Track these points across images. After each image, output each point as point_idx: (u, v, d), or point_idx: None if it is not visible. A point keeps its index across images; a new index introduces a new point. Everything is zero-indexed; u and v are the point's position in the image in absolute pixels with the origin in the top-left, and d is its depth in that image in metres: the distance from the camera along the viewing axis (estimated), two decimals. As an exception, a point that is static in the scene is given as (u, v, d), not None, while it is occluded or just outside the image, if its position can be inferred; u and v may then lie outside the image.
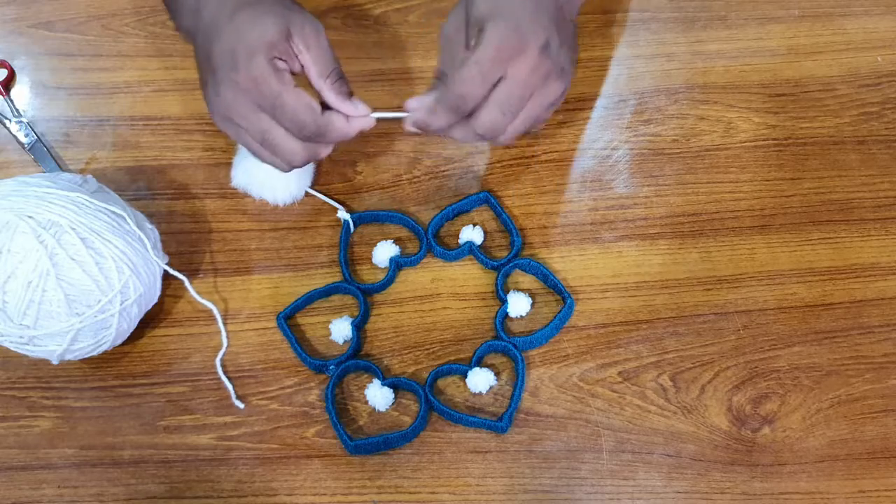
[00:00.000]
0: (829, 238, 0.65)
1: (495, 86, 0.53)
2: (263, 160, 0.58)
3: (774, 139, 0.69)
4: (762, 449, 0.58)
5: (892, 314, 0.62)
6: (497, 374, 0.60)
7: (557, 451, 0.57)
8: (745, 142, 0.69)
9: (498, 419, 0.58)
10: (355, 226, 0.65)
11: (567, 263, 0.64)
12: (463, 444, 0.58)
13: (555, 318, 0.61)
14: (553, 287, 0.63)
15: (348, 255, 0.64)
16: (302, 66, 0.55)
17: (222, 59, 0.54)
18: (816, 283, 0.63)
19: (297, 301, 0.62)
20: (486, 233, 0.65)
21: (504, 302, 0.61)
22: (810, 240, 0.65)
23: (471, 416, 0.58)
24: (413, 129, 0.56)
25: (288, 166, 0.57)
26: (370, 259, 0.64)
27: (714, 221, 0.65)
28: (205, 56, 0.56)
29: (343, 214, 0.64)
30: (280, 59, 0.54)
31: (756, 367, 0.60)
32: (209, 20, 0.55)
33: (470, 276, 0.64)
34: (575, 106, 0.69)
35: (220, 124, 0.57)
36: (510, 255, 0.63)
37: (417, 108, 0.55)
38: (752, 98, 0.70)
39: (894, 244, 0.65)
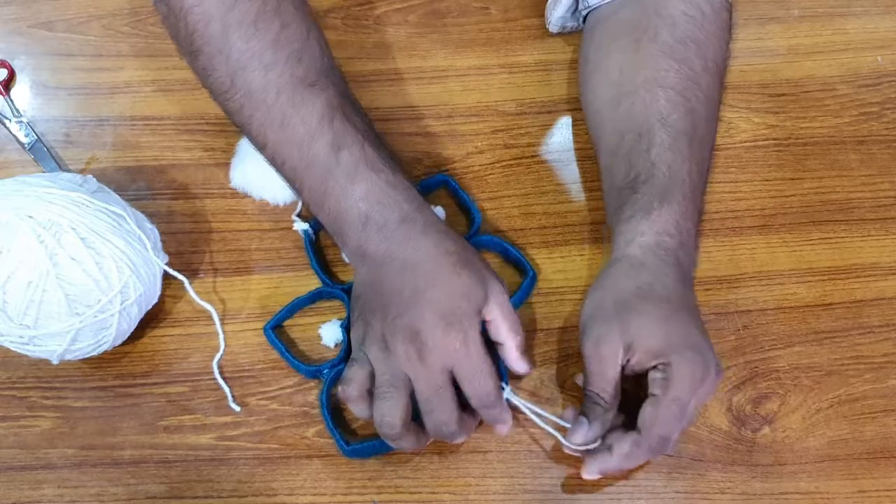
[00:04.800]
0: (829, 238, 0.65)
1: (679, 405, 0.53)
2: (387, 415, 0.53)
3: (774, 139, 0.69)
4: (762, 449, 0.58)
5: (892, 314, 0.62)
6: None
7: (558, 450, 0.57)
8: (745, 142, 0.69)
9: None
10: (315, 231, 0.64)
11: (567, 263, 0.64)
12: (463, 444, 0.58)
13: (518, 289, 0.61)
14: (515, 261, 0.63)
15: (324, 259, 0.64)
16: (484, 325, 0.55)
17: (433, 308, 0.52)
18: (816, 283, 0.63)
19: (281, 311, 0.61)
20: (447, 214, 0.65)
21: None
22: (810, 240, 0.65)
23: None
24: (594, 474, 0.55)
25: (404, 433, 0.53)
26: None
27: (714, 221, 0.65)
28: (395, 288, 0.54)
29: (300, 225, 0.63)
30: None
31: (756, 367, 0.60)
32: (413, 256, 0.54)
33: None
34: (576, 106, 0.69)
35: (373, 354, 0.54)
36: (470, 233, 0.63)
37: (618, 454, 0.53)
38: (752, 98, 0.70)
39: (894, 244, 0.65)
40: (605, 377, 0.54)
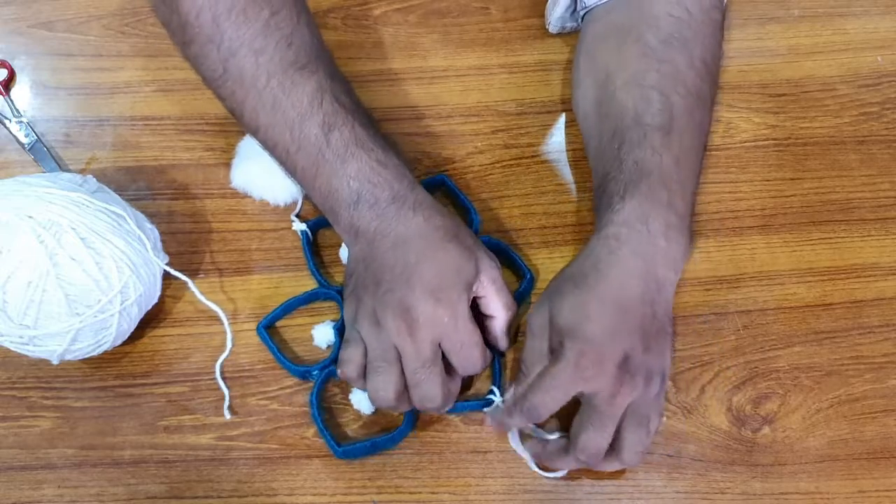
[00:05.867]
0: (829, 238, 0.65)
1: (593, 405, 0.53)
2: (380, 388, 0.55)
3: (774, 139, 0.69)
4: (762, 449, 0.58)
5: (892, 314, 0.62)
6: None
7: (557, 451, 0.57)
8: (745, 142, 0.69)
9: (485, 395, 0.58)
10: (314, 232, 0.64)
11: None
12: (463, 444, 0.58)
13: (514, 293, 0.61)
14: (512, 263, 0.63)
15: (321, 260, 0.64)
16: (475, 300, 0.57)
17: (423, 283, 0.54)
18: (816, 283, 0.63)
19: (276, 310, 0.61)
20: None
21: None
22: (810, 240, 0.65)
23: (460, 402, 0.58)
24: (492, 427, 0.58)
25: (399, 403, 0.55)
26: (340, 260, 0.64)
27: (714, 221, 0.65)
28: (386, 264, 0.55)
29: (298, 225, 0.64)
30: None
31: (756, 367, 0.60)
32: (404, 233, 0.56)
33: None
34: (575, 106, 0.70)
35: (365, 329, 0.55)
36: None
37: (498, 409, 0.56)
38: (752, 98, 0.70)
39: (894, 244, 0.65)
40: (531, 347, 0.56)
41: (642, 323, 0.54)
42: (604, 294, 0.54)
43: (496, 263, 0.58)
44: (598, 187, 0.60)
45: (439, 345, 0.54)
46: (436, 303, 0.53)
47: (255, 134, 0.59)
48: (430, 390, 0.54)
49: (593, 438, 0.53)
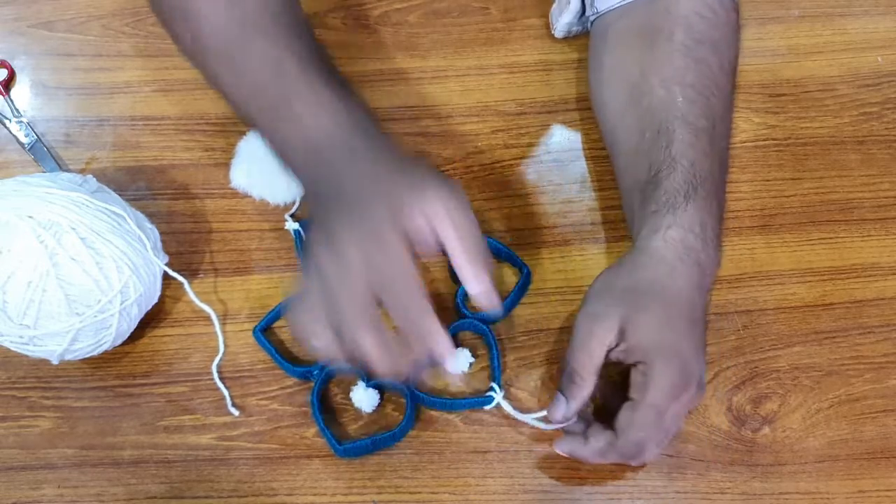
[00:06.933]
0: (829, 238, 0.65)
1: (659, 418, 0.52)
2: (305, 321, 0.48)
3: (774, 139, 0.69)
4: (762, 449, 0.58)
5: (892, 314, 0.62)
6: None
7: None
8: (745, 142, 0.69)
9: (485, 393, 0.58)
10: (307, 232, 0.64)
11: (567, 263, 0.64)
12: (463, 444, 0.58)
13: (514, 288, 0.61)
14: (508, 259, 0.63)
15: None
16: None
17: (350, 211, 0.48)
18: (816, 283, 0.63)
19: (270, 313, 0.61)
20: None
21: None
22: (810, 240, 0.65)
23: (460, 399, 0.58)
24: (564, 451, 0.55)
25: (329, 351, 0.47)
26: None
27: (714, 221, 0.65)
28: (331, 195, 0.50)
29: (291, 225, 0.64)
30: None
31: (756, 367, 0.60)
32: (350, 171, 0.50)
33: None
34: (576, 106, 0.70)
35: (324, 257, 0.48)
36: None
37: (591, 448, 0.53)
38: (752, 98, 0.70)
39: (894, 244, 0.65)
40: (589, 353, 0.53)
41: (704, 337, 0.55)
42: (681, 310, 0.54)
43: (456, 189, 0.48)
44: (645, 182, 0.57)
45: (372, 291, 0.46)
46: (363, 234, 0.47)
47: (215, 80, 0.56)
48: (359, 334, 0.46)
49: (651, 451, 0.53)
